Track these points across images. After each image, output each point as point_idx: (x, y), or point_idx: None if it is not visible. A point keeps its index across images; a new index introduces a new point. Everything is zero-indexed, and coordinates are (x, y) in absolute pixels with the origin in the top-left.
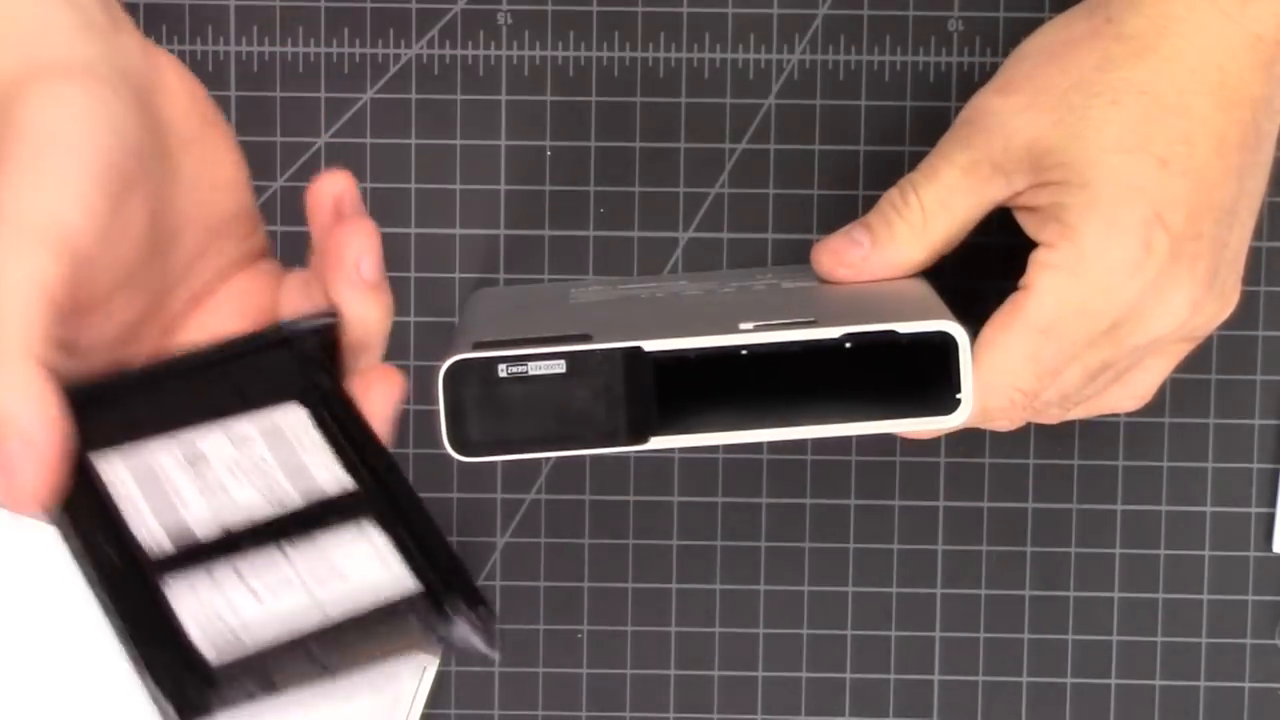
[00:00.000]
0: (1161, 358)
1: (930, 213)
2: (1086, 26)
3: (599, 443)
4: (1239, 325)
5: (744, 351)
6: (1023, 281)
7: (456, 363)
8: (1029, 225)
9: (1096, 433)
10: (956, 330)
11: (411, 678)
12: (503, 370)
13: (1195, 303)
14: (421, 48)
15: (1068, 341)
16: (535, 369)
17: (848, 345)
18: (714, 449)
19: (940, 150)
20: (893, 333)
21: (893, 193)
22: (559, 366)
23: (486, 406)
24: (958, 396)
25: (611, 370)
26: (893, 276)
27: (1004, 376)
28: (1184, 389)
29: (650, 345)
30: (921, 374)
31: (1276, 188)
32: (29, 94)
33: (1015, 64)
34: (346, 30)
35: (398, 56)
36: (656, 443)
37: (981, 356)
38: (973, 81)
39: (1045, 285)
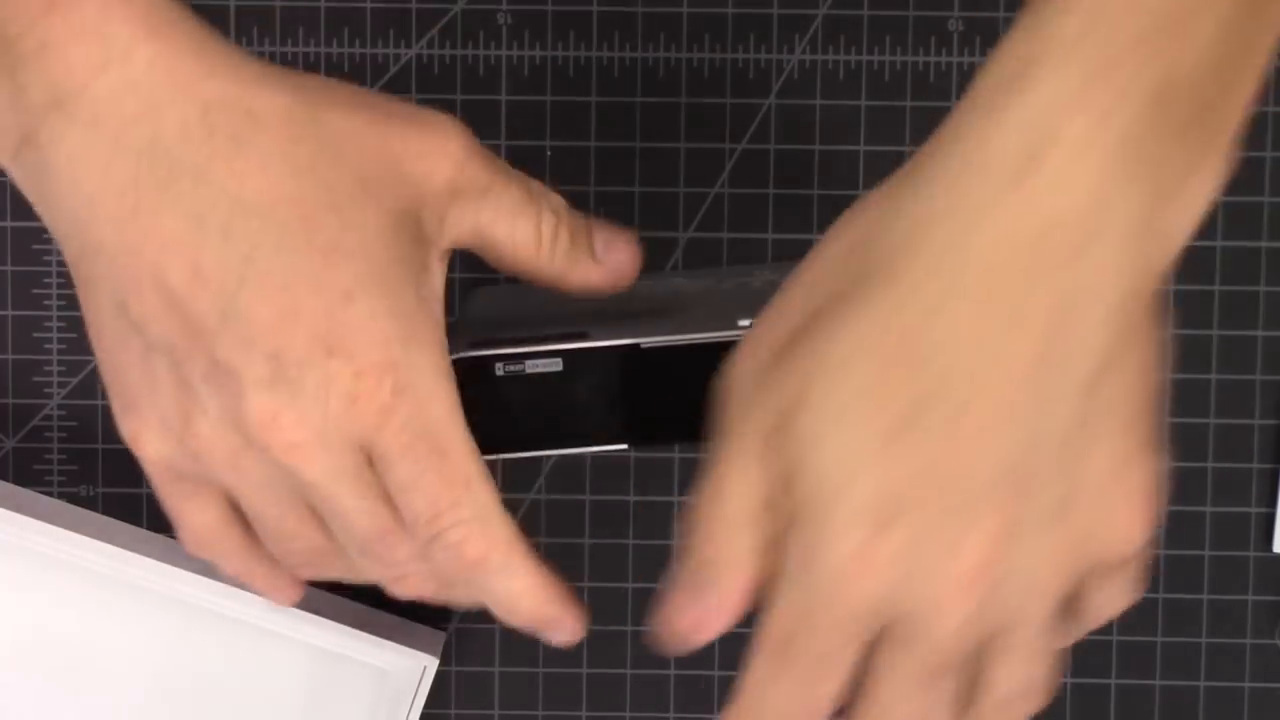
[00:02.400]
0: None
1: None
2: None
3: (597, 441)
4: (1239, 325)
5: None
6: None
7: (452, 361)
8: None
9: None
10: None
11: (411, 677)
12: (499, 369)
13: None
14: (421, 48)
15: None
16: (532, 367)
17: None
18: None
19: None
20: None
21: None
22: (556, 365)
23: (483, 405)
24: None
25: (608, 367)
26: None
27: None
28: (1184, 389)
29: (647, 342)
30: None
31: (1274, 188)
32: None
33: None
34: (346, 30)
35: (398, 56)
36: (654, 442)
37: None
38: None
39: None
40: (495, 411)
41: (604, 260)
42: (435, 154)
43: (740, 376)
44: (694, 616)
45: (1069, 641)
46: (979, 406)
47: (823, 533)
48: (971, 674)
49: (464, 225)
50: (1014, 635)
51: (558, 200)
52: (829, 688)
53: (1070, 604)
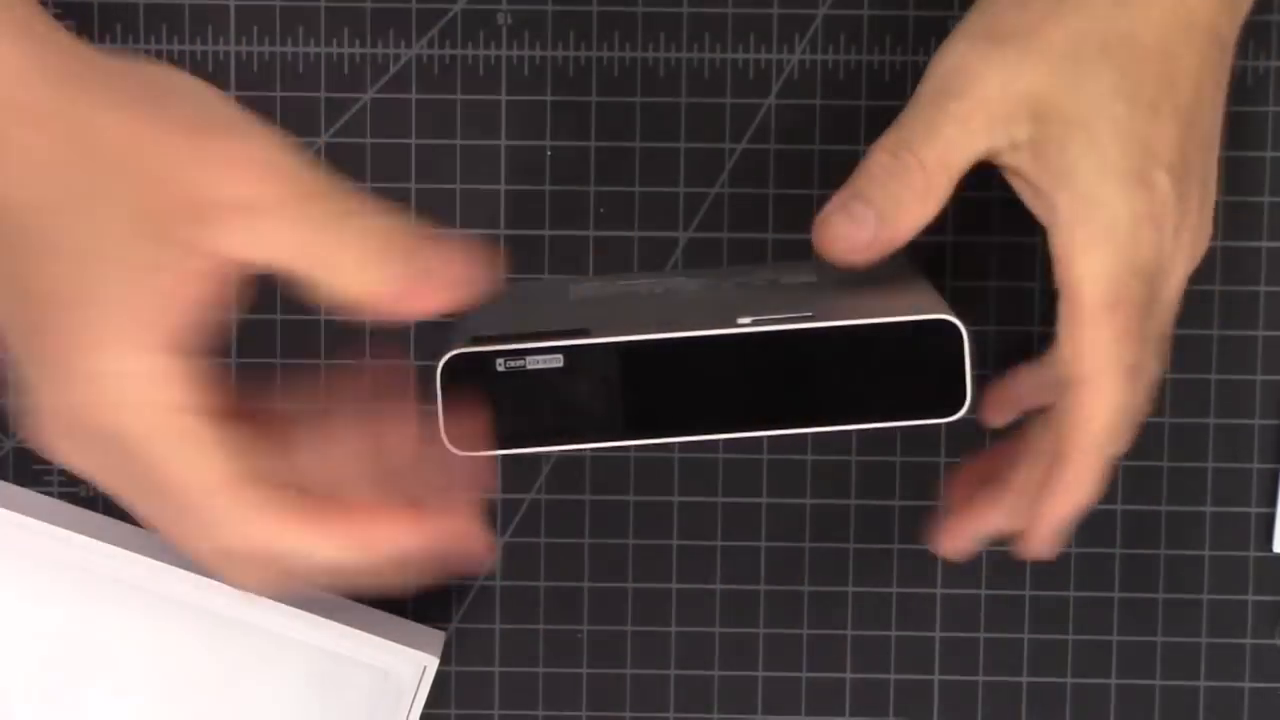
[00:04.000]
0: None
1: (932, 173)
2: None
3: (597, 437)
4: (1239, 325)
5: (742, 345)
6: (1059, 271)
7: (454, 357)
8: (1028, 178)
9: None
10: (957, 321)
11: (411, 677)
12: (500, 364)
13: (1195, 240)
14: (421, 48)
15: (1136, 309)
16: (533, 363)
17: (847, 342)
18: (714, 448)
19: (928, 102)
20: (892, 324)
21: (881, 156)
22: (556, 361)
23: (484, 400)
24: (961, 390)
25: (608, 364)
26: (903, 244)
27: (1109, 370)
28: (1184, 389)
29: (648, 339)
30: (924, 370)
31: (1275, 187)
32: None
33: (992, 11)
34: (346, 30)
35: (398, 56)
36: (654, 438)
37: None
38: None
39: (1086, 255)
40: (496, 407)
41: (435, 279)
42: (229, 167)
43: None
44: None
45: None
46: (1193, 103)
47: (1121, 178)
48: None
49: (255, 245)
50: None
51: (374, 222)
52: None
53: None
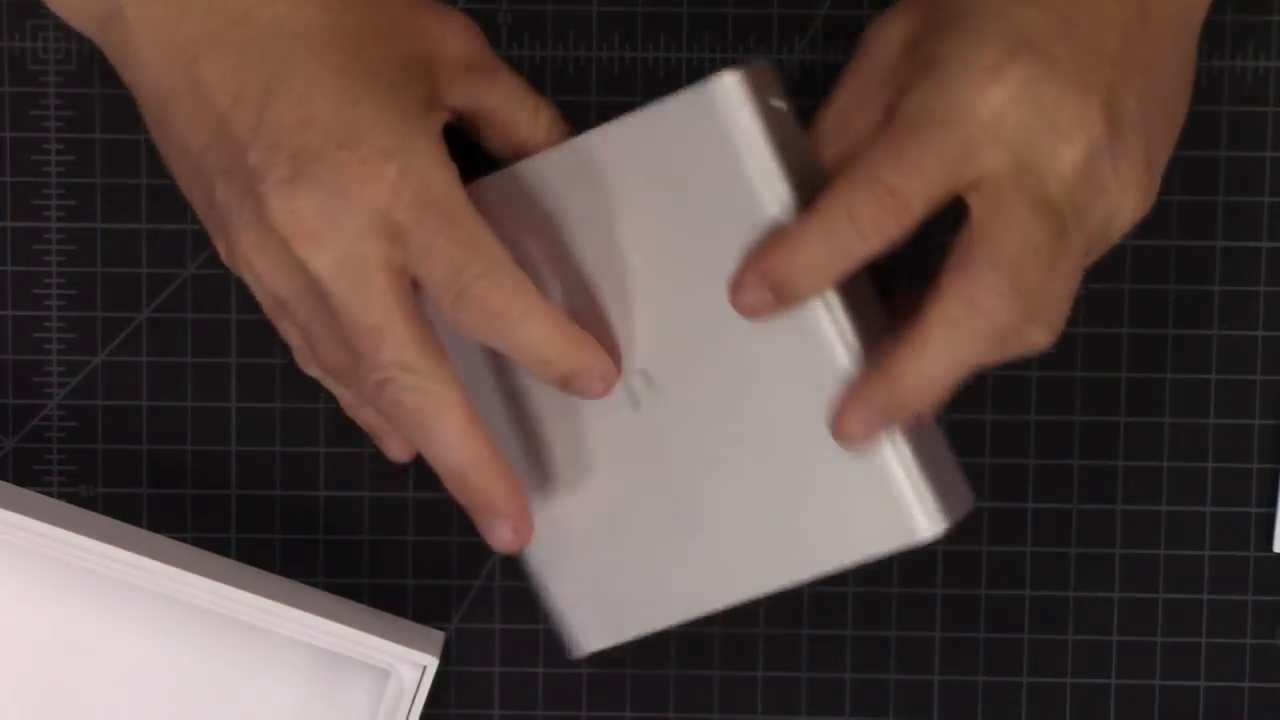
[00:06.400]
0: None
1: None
2: None
3: None
4: (1239, 325)
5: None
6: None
7: None
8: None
9: (1096, 432)
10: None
11: (411, 677)
12: None
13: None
14: None
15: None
16: None
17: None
18: None
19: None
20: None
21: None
22: None
23: None
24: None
25: None
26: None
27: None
28: (1184, 389)
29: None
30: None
31: (1274, 188)
32: None
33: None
34: None
35: None
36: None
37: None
38: None
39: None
40: None
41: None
42: (454, 33)
43: None
44: None
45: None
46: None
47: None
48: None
49: (470, 98)
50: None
51: (543, 98)
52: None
53: None
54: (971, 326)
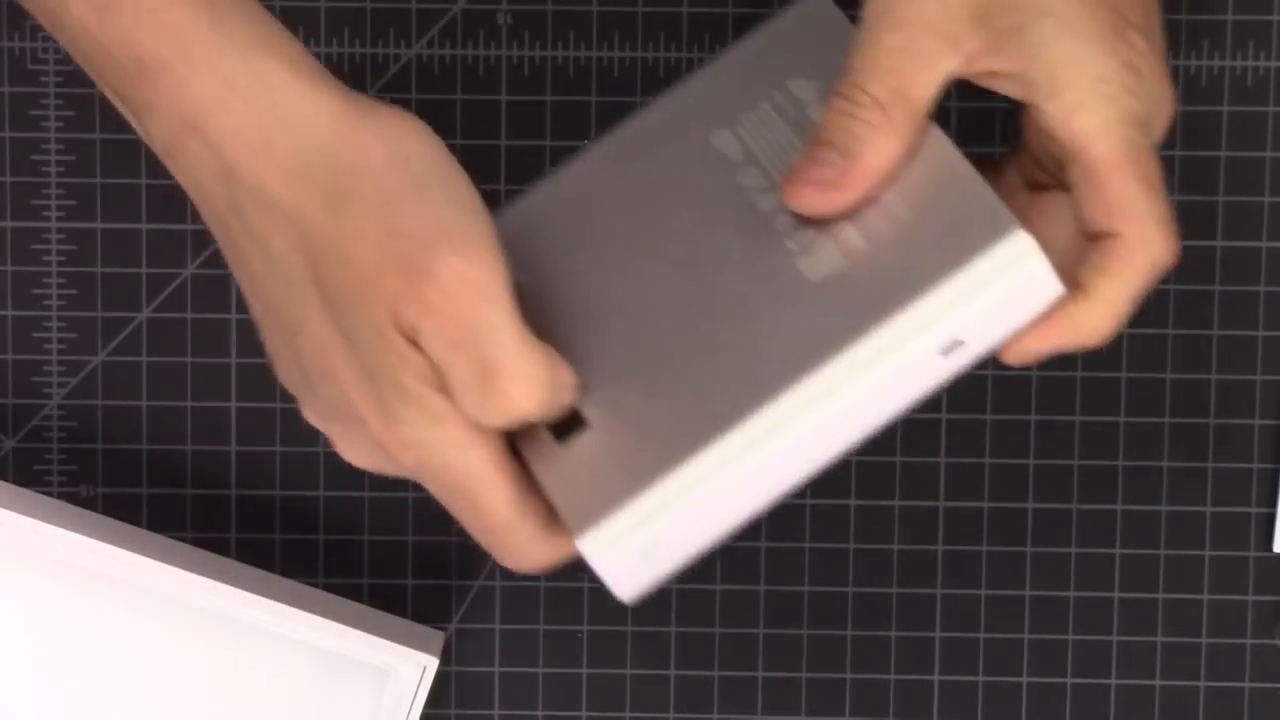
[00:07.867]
0: None
1: (888, 103)
2: None
3: None
4: (1239, 325)
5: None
6: (1064, 139)
7: None
8: (1005, 72)
9: (1097, 433)
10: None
11: (411, 677)
12: None
13: (1167, 95)
14: (421, 48)
15: (1149, 157)
16: None
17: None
18: None
19: (869, 38)
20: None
21: (835, 100)
22: None
23: None
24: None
25: None
26: (880, 180)
27: (1144, 219)
28: (1184, 389)
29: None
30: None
31: (1275, 188)
32: None
33: None
34: (346, 30)
35: (398, 56)
36: None
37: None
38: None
39: (1084, 112)
40: None
41: None
42: (448, 296)
43: None
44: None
45: None
46: None
47: (1099, 44)
48: None
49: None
50: None
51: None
52: None
53: None
54: (1150, 276)
